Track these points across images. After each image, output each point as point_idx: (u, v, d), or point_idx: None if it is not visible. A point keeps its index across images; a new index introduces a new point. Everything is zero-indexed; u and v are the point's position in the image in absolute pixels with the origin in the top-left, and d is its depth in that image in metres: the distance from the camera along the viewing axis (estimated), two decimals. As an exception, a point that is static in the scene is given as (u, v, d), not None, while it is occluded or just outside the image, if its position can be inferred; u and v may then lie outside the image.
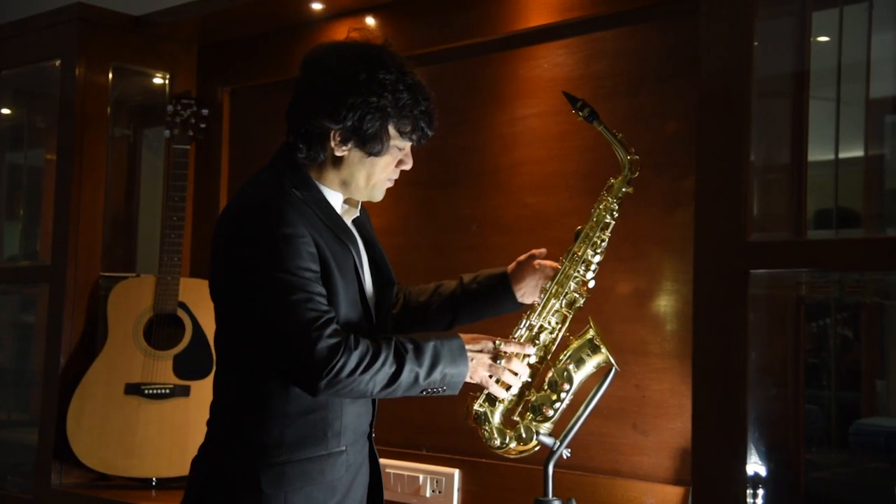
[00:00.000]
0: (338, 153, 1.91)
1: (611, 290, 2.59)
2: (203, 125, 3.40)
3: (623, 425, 2.53)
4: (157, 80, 3.62)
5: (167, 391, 3.17)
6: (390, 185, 1.99)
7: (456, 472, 2.80)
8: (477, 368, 1.93)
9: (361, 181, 1.94)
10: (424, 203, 3.00)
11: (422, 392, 1.89)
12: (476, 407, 2.04)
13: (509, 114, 2.83)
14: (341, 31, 3.17)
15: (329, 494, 1.89)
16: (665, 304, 2.50)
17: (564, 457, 2.09)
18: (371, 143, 1.89)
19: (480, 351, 1.94)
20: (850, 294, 2.25)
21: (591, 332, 2.04)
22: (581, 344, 2.05)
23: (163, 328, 3.24)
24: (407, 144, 1.95)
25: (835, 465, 2.25)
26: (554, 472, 2.09)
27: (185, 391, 3.18)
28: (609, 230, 2.08)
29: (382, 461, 2.89)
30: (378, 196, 1.99)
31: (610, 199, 2.07)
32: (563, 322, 2.07)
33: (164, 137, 3.46)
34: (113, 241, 3.57)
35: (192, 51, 3.57)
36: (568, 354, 2.04)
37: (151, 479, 3.14)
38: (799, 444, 2.21)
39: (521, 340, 2.05)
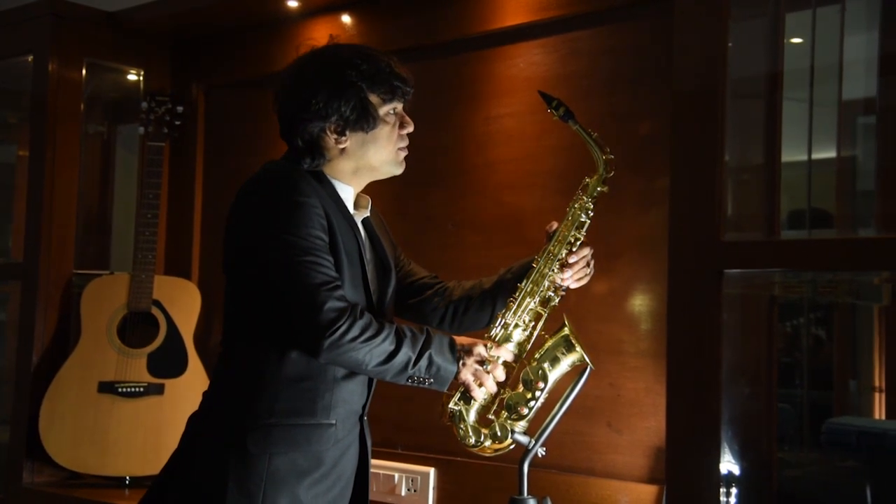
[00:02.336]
0: (341, 146, 1.95)
1: (585, 290, 2.59)
2: (178, 122, 3.38)
3: (598, 424, 2.54)
4: (132, 77, 3.59)
5: (141, 389, 3.15)
6: (405, 152, 2.02)
7: (431, 471, 2.80)
8: (465, 371, 1.94)
9: (375, 160, 1.98)
10: (400, 202, 3.00)
11: (408, 380, 1.90)
12: (451, 406, 2.04)
13: (485, 113, 2.83)
14: (317, 29, 3.17)
15: (314, 464, 1.89)
16: (640, 303, 2.51)
17: (539, 455, 2.10)
18: (363, 122, 1.93)
19: (470, 353, 1.95)
20: (822, 294, 2.27)
21: (567, 331, 2.04)
22: (556, 342, 2.04)
23: (137, 326, 3.22)
24: (397, 106, 1.98)
25: (807, 463, 2.27)
26: (529, 470, 2.10)
27: (159, 389, 3.16)
28: (584, 229, 2.08)
29: (358, 460, 2.90)
30: (399, 168, 2.03)
31: (585, 198, 2.08)
32: (538, 320, 2.06)
33: (138, 134, 3.44)
34: (86, 239, 3.54)
35: (165, 47, 3.55)
36: (543, 353, 2.04)
37: (125, 478, 3.12)
38: (772, 442, 2.23)
39: (497, 339, 2.04)
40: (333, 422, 1.91)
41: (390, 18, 3.00)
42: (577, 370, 2.06)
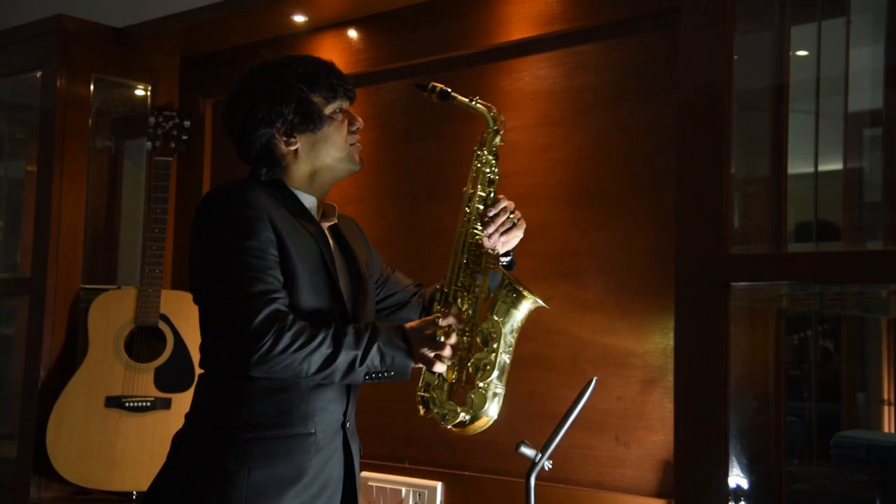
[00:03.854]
0: (292, 149, 1.98)
1: (593, 303, 2.59)
2: (185, 137, 3.39)
3: (605, 437, 2.53)
4: (139, 92, 3.61)
5: (148, 404, 3.15)
6: (359, 148, 2.04)
7: (439, 485, 2.79)
8: (418, 350, 1.89)
9: (329, 159, 2.00)
10: (407, 215, 3.00)
11: (367, 377, 1.88)
12: (421, 394, 2.00)
13: (492, 126, 2.83)
14: (324, 43, 3.19)
15: (295, 475, 1.88)
16: (647, 316, 2.50)
17: (546, 469, 2.09)
18: (309, 122, 1.96)
19: (418, 332, 1.90)
20: (830, 307, 2.26)
21: (507, 280, 1.99)
22: (501, 294, 1.99)
23: (144, 340, 3.22)
24: (342, 104, 2.00)
25: (816, 477, 2.26)
26: (536, 484, 2.09)
27: (166, 404, 3.16)
28: (493, 185, 2.05)
29: (365, 474, 2.89)
30: (355, 164, 2.03)
31: (483, 152, 2.05)
32: (475, 280, 2.02)
33: (145, 149, 3.45)
34: (94, 253, 3.55)
35: (174, 63, 3.57)
36: (492, 307, 1.99)
37: (132, 493, 3.12)
38: (780, 456, 2.22)
39: (441, 309, 2.00)
40: (312, 431, 1.90)
41: (397, 33, 3.01)
42: (537, 311, 2.01)
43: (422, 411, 2.02)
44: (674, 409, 2.11)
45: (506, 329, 1.98)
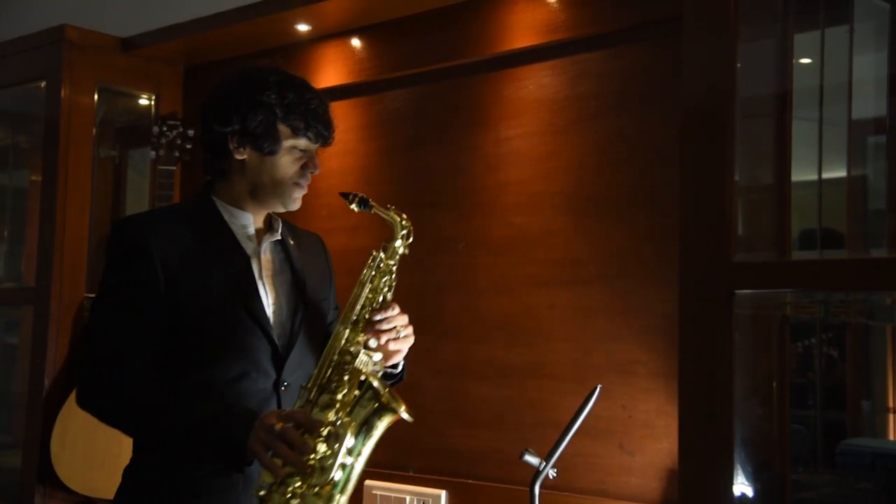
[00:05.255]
0: (237, 156, 1.95)
1: (596, 311, 2.59)
2: (189, 146, 3.40)
3: (609, 445, 2.52)
4: (143, 101, 3.62)
5: (152, 413, 3.15)
6: (302, 190, 1.99)
7: (443, 494, 2.79)
8: (253, 438, 1.74)
9: (267, 184, 1.96)
10: (411, 223, 3.00)
11: (191, 448, 1.83)
12: (259, 494, 1.78)
13: (495, 134, 2.84)
14: (327, 53, 3.20)
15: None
16: (650, 324, 2.50)
17: (551, 477, 2.09)
18: (263, 142, 1.93)
19: (260, 422, 1.75)
20: (835, 314, 2.25)
21: (373, 385, 1.82)
22: (362, 399, 1.83)
23: (148, 350, 3.22)
24: (306, 144, 1.96)
25: (821, 485, 2.25)
26: (540, 492, 2.09)
27: (170, 413, 3.16)
28: (390, 292, 1.98)
29: (369, 482, 2.89)
30: (291, 202, 1.99)
31: (384, 256, 1.98)
32: (346, 383, 1.87)
33: (149, 158, 3.46)
34: (98, 263, 3.55)
35: (177, 72, 3.58)
36: (349, 410, 1.82)
37: (136, 503, 3.11)
38: (785, 464, 2.21)
39: (301, 408, 1.84)
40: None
41: (400, 42, 3.02)
42: (394, 422, 1.85)
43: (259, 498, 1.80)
44: (678, 416, 2.11)
45: (356, 439, 1.80)
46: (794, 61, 2.19)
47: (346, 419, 1.79)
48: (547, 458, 2.06)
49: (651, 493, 2.45)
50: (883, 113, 2.14)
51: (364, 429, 1.81)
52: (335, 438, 1.77)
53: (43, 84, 3.40)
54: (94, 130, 3.42)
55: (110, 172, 3.70)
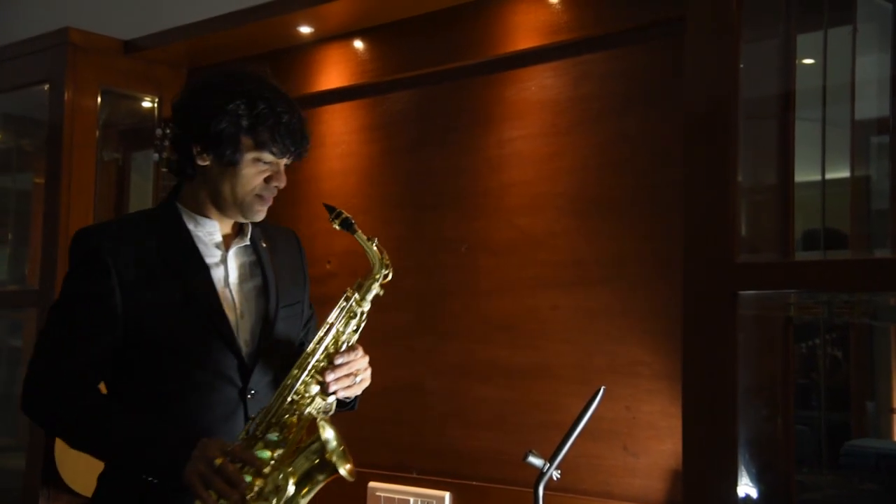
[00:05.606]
0: (199, 162, 1.91)
1: (599, 312, 2.59)
2: (192, 148, 3.40)
3: (613, 447, 2.52)
4: (146, 104, 3.62)
5: (156, 415, 3.15)
6: (265, 203, 1.93)
7: (447, 495, 2.79)
8: (190, 468, 1.73)
9: (227, 194, 1.91)
10: (413, 225, 3.01)
11: (128, 463, 1.84)
12: None
13: (497, 136, 2.84)
14: (330, 54, 3.20)
15: None
16: (654, 325, 2.50)
17: (554, 478, 2.09)
18: (224, 150, 1.87)
19: (201, 452, 1.74)
20: (838, 315, 2.25)
21: (322, 439, 1.78)
22: (309, 450, 1.79)
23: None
24: (271, 158, 1.90)
25: (825, 486, 2.24)
26: (544, 494, 2.08)
27: (173, 415, 3.16)
28: (357, 331, 1.93)
29: (373, 484, 2.89)
30: (252, 214, 1.94)
31: (358, 296, 1.92)
32: (296, 423, 1.84)
33: (152, 161, 3.46)
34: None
35: (180, 74, 3.58)
36: (295, 459, 1.79)
37: (140, 505, 3.11)
38: (790, 465, 2.21)
39: (246, 440, 1.82)
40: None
41: (402, 44, 3.02)
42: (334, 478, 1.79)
43: None
44: (682, 418, 2.11)
45: (296, 489, 1.76)
46: (797, 62, 2.19)
47: (289, 470, 1.76)
48: (551, 460, 2.06)
49: (655, 495, 2.45)
50: (886, 113, 2.13)
51: (305, 480, 1.78)
52: (274, 491, 1.74)
53: (46, 87, 3.41)
54: (97, 133, 3.42)
55: (113, 175, 3.70)
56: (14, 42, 3.53)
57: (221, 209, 1.94)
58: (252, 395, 1.90)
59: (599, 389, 2.11)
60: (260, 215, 1.95)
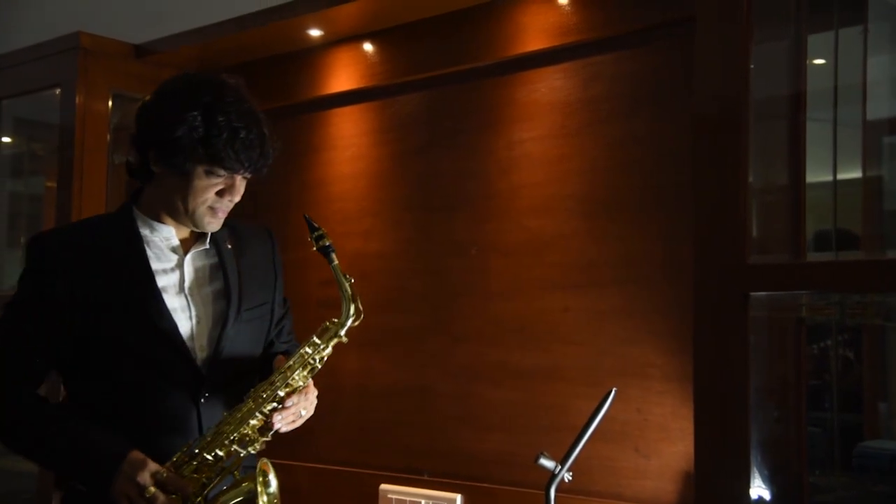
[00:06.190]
0: (153, 168, 1.91)
1: (610, 313, 2.58)
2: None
3: (625, 449, 2.52)
4: (157, 107, 3.63)
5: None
6: (216, 215, 1.92)
7: (458, 497, 2.79)
8: (117, 485, 1.76)
9: (178, 204, 1.90)
10: (423, 227, 3.01)
11: (58, 469, 1.89)
12: None
13: (507, 138, 2.84)
14: (340, 57, 3.20)
15: None
16: (665, 326, 2.50)
17: (566, 481, 2.08)
18: (177, 159, 1.85)
19: (131, 470, 1.76)
20: (850, 316, 2.24)
21: (257, 483, 1.78)
22: (239, 490, 1.80)
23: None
24: (224, 172, 1.88)
25: (839, 487, 2.23)
26: (556, 496, 2.08)
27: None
28: (312, 374, 1.93)
29: (384, 486, 2.89)
30: (205, 225, 1.92)
31: (320, 342, 1.92)
32: (229, 453, 1.85)
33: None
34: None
35: (191, 78, 3.58)
36: (224, 496, 1.80)
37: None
38: (802, 466, 2.20)
39: (174, 467, 1.82)
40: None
41: (412, 46, 3.02)
42: None
43: None
44: (694, 420, 2.10)
45: None
46: (807, 62, 2.18)
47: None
48: (562, 462, 2.06)
49: (667, 497, 2.44)
50: (898, 113, 2.13)
51: None
52: None
53: (58, 91, 3.42)
54: (108, 137, 3.43)
55: (125, 178, 3.71)
56: (25, 47, 3.54)
57: (174, 217, 1.93)
58: (206, 399, 1.90)
59: (610, 391, 2.11)
60: (212, 227, 1.93)
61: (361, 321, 1.95)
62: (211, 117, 1.84)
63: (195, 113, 1.84)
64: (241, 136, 1.85)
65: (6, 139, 3.93)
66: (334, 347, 1.95)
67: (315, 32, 3.14)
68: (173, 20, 3.40)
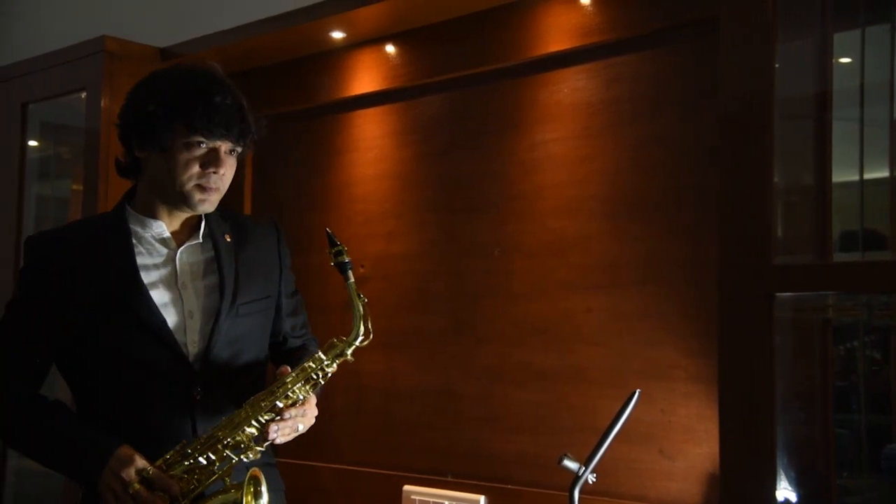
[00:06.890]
0: (137, 154, 1.92)
1: (634, 315, 2.58)
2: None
3: (649, 450, 2.51)
4: (181, 110, 3.65)
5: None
6: (206, 192, 1.89)
7: (482, 499, 2.79)
8: (104, 480, 1.77)
9: (167, 184, 1.89)
10: (446, 229, 3.01)
11: (49, 463, 1.89)
12: None
13: (530, 139, 2.83)
14: (362, 59, 3.21)
15: None
16: (689, 327, 2.48)
17: (590, 482, 2.08)
18: (156, 137, 1.85)
19: (118, 466, 1.77)
20: (878, 317, 2.22)
21: (244, 493, 1.78)
22: (226, 498, 1.79)
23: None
24: (203, 140, 1.85)
25: (866, 490, 2.21)
26: (580, 497, 2.08)
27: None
28: (314, 389, 1.91)
29: (408, 487, 2.90)
30: (196, 204, 1.90)
31: (325, 358, 1.89)
32: (221, 460, 1.83)
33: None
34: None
35: (215, 81, 3.60)
36: (212, 499, 1.81)
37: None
38: (830, 469, 2.18)
39: (162, 465, 1.82)
40: None
41: (434, 48, 3.03)
42: None
43: None
44: (719, 421, 2.09)
45: None
46: (833, 61, 2.16)
47: None
48: (586, 463, 2.05)
49: (692, 499, 2.43)
50: (925, 112, 2.10)
51: None
52: None
53: (83, 95, 3.45)
54: (133, 140, 3.46)
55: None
56: (51, 51, 3.58)
57: (167, 202, 1.92)
58: (200, 397, 1.89)
59: (634, 392, 2.10)
60: (206, 206, 1.91)
61: (370, 340, 1.93)
62: (181, 87, 1.86)
63: (164, 87, 1.87)
64: (216, 100, 1.85)
65: (33, 143, 3.96)
66: (342, 362, 1.93)
67: (337, 35, 3.15)
68: (197, 24, 3.43)
